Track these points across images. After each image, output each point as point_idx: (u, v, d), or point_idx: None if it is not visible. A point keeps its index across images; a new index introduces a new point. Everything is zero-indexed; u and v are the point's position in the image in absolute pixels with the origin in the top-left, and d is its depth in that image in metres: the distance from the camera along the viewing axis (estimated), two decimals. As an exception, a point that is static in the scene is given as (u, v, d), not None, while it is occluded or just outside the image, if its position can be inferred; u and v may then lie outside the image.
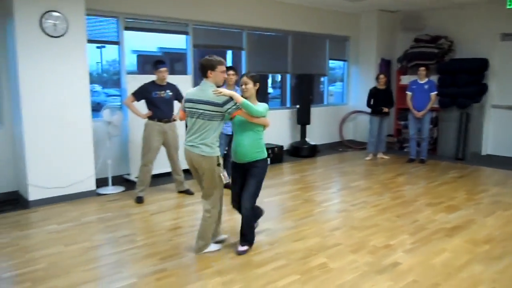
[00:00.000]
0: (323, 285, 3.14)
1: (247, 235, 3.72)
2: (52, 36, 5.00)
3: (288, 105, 8.82)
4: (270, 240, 4.00)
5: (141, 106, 5.29)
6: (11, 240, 4.06)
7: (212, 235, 3.78)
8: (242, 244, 3.70)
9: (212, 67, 3.50)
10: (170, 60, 8.60)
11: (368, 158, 7.96)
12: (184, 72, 7.19)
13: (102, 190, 5.66)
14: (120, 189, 5.80)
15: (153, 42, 8.44)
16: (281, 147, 7.76)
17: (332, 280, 3.21)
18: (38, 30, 4.91)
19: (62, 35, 5.07)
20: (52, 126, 5.11)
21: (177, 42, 7.42)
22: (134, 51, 8.65)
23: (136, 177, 5.58)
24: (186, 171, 5.07)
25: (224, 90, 3.48)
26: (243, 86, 3.60)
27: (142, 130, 5.33)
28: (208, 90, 3.48)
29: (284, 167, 7.34)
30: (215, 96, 3.43)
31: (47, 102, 5.05)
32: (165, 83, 5.33)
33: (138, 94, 5.21)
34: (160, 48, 8.96)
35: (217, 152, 3.56)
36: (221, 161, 3.63)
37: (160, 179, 6.12)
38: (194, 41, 7.08)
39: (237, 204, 3.74)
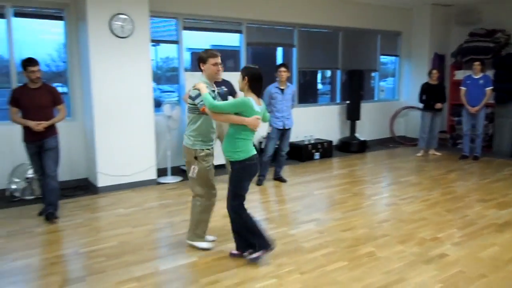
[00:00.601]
0: (370, 272, 3.31)
1: (247, 240, 3.43)
2: (119, 37, 5.46)
3: (338, 100, 8.92)
4: (319, 229, 4.21)
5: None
6: (84, 220, 4.53)
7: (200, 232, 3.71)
8: (250, 252, 3.42)
9: (203, 60, 3.49)
10: (222, 57, 8.96)
11: (419, 154, 7.92)
12: (236, 69, 7.50)
13: (162, 179, 6.09)
14: (178, 178, 6.20)
15: (206, 39, 8.80)
16: (330, 142, 7.89)
17: (379, 267, 3.38)
18: (107, 31, 5.38)
19: (128, 36, 5.51)
20: (118, 120, 5.58)
21: (229, 39, 7.74)
22: (188, 49, 9.09)
23: (193, 168, 5.94)
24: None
25: (198, 84, 3.40)
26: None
27: (199, 124, 5.68)
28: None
29: (334, 161, 7.48)
30: (192, 90, 3.45)
31: (114, 98, 5.51)
32: (220, 80, 5.63)
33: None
34: (213, 45, 9.33)
35: (195, 145, 3.51)
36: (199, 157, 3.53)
37: (217, 170, 6.44)
38: (247, 39, 7.37)
39: (233, 206, 3.49)
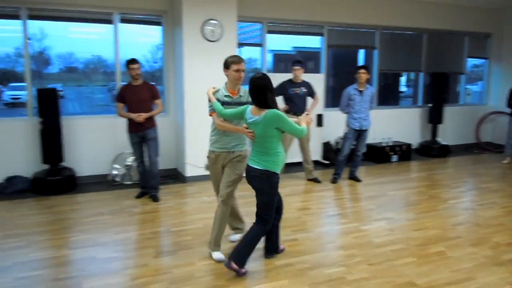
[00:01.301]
0: (438, 269, 3.41)
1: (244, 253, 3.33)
2: (210, 41, 5.97)
3: (420, 103, 8.78)
4: (391, 227, 4.33)
5: (278, 100, 5.99)
6: (174, 205, 5.08)
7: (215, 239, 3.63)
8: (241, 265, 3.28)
9: (227, 65, 3.50)
10: (303, 59, 9.21)
11: (505, 161, 7.57)
12: (316, 70, 7.73)
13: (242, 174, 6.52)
14: (257, 173, 6.60)
15: (287, 42, 9.11)
16: (409, 145, 7.82)
17: (447, 266, 3.46)
18: (199, 35, 5.91)
19: (218, 40, 6.00)
20: (206, 116, 6.08)
21: (310, 41, 7.99)
22: (270, 51, 9.48)
23: (271, 164, 6.31)
24: (315, 161, 5.61)
25: (208, 90, 3.57)
26: None
27: (278, 122, 6.02)
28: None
29: (412, 165, 7.42)
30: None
31: (203, 96, 6.01)
32: (300, 81, 5.94)
33: (277, 91, 5.89)
34: (294, 47, 9.62)
35: (210, 146, 3.66)
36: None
37: (291, 167, 6.77)
38: (328, 41, 7.58)
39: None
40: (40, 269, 3.37)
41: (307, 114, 5.43)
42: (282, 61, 9.16)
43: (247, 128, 3.28)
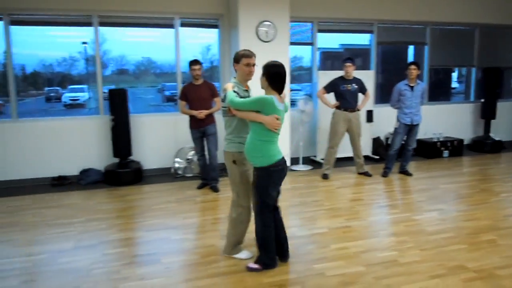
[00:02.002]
0: (488, 255, 3.56)
1: (259, 251, 3.33)
2: (264, 41, 6.31)
3: (471, 99, 8.71)
4: (442, 217, 4.49)
5: (330, 97, 6.24)
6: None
7: (228, 248, 3.57)
8: (255, 261, 3.35)
9: (237, 60, 3.34)
10: (351, 55, 9.33)
11: None
12: (365, 67, 7.89)
13: (294, 167, 6.84)
14: (308, 167, 6.89)
15: (336, 39, 9.27)
16: (461, 140, 7.81)
17: (497, 253, 3.60)
18: (254, 36, 6.27)
19: (271, 40, 6.34)
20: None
21: (359, 38, 8.15)
22: (320, 49, 9.69)
23: (322, 159, 6.59)
24: (365, 156, 5.79)
25: (226, 85, 3.31)
26: None
27: (329, 117, 6.28)
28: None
29: (464, 160, 7.42)
30: (223, 92, 3.36)
31: (258, 93, 6.38)
32: (351, 78, 6.16)
33: (329, 87, 6.16)
34: (342, 45, 9.77)
35: (231, 148, 3.32)
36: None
37: (342, 162, 7.00)
38: (378, 38, 7.73)
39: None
40: (122, 247, 3.84)
41: (358, 110, 5.46)
42: (329, 58, 9.33)
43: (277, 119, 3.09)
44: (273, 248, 3.30)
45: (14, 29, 6.01)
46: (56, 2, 5.95)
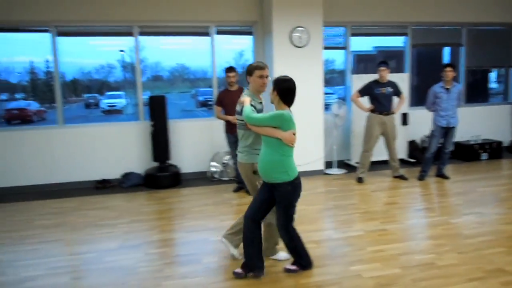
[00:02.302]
0: (530, 259, 3.52)
1: (294, 257, 3.41)
2: (297, 46, 6.41)
3: (510, 100, 8.49)
4: (480, 221, 4.44)
5: (364, 100, 6.26)
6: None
7: (268, 250, 3.62)
8: (292, 262, 3.44)
9: (249, 73, 3.34)
10: (384, 58, 9.28)
11: None
12: (400, 70, 7.85)
13: (328, 171, 6.88)
14: (342, 171, 6.91)
15: (369, 42, 9.24)
16: (500, 142, 7.63)
17: (540, 257, 3.55)
18: (288, 42, 6.38)
19: (304, 45, 6.42)
20: (295, 116, 6.51)
21: (393, 40, 8.10)
22: (353, 52, 9.67)
23: (357, 162, 6.61)
24: (401, 160, 5.77)
25: (243, 98, 3.32)
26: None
27: (364, 121, 6.30)
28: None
29: (502, 162, 7.25)
30: (239, 105, 3.36)
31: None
32: (386, 81, 6.16)
33: (363, 91, 6.18)
34: (375, 47, 9.72)
35: (250, 159, 3.36)
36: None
37: (377, 165, 6.98)
38: (412, 41, 7.67)
39: (249, 217, 3.27)
40: (164, 247, 4.01)
41: (393, 113, 5.47)
42: (363, 61, 9.30)
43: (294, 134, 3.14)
44: (305, 251, 3.37)
45: (58, 39, 6.35)
46: (99, 14, 6.26)
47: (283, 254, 3.66)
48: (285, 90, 3.15)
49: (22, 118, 10.11)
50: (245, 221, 3.26)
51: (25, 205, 5.59)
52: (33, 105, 10.28)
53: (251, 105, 3.26)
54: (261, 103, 3.44)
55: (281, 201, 3.18)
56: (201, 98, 10.06)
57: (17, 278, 3.43)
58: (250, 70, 3.35)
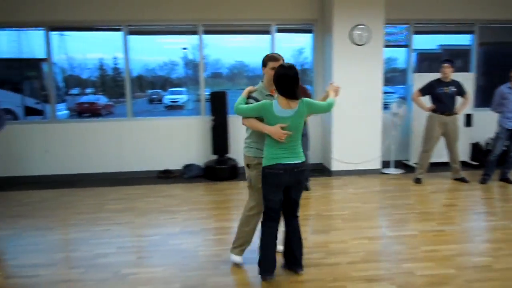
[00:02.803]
0: None
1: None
2: (357, 45, 6.41)
3: None
4: (546, 227, 4.27)
5: (425, 100, 6.15)
6: (322, 194, 5.67)
7: (240, 243, 3.53)
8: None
9: (264, 64, 3.24)
10: (450, 57, 8.96)
11: None
12: (465, 69, 7.58)
13: (385, 170, 6.83)
14: (400, 171, 6.83)
15: (433, 40, 8.97)
16: None
17: None
18: (347, 40, 6.40)
19: (365, 43, 6.41)
20: (352, 114, 6.56)
21: (458, 38, 7.84)
22: (415, 50, 9.43)
23: (415, 163, 6.51)
24: (463, 162, 5.62)
25: (247, 88, 3.29)
26: None
27: (424, 121, 6.19)
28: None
29: None
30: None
31: (350, 97, 6.51)
32: (449, 80, 6.01)
33: (424, 90, 6.07)
34: (440, 45, 9.40)
35: (249, 152, 3.34)
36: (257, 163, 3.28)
37: (437, 167, 6.82)
38: (479, 39, 7.40)
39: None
40: (221, 235, 4.24)
41: (455, 113, 5.38)
42: (426, 60, 9.05)
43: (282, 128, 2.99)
44: (267, 257, 3.21)
45: (129, 38, 6.81)
46: (167, 14, 6.63)
47: (237, 258, 3.56)
48: (279, 77, 2.94)
49: (92, 111, 10.85)
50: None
51: (96, 190, 6.07)
52: (102, 100, 11.00)
53: (252, 97, 3.21)
54: (271, 96, 3.22)
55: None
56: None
57: (91, 254, 3.80)
58: (264, 61, 3.24)
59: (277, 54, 3.25)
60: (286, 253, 3.41)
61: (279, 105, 2.97)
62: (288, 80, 2.92)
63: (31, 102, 9.20)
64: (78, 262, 3.65)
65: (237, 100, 3.18)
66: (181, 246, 3.95)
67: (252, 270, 3.40)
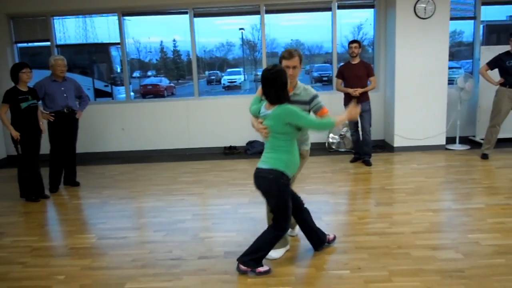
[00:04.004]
0: None
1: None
2: (422, 18, 6.30)
3: None
4: None
5: (494, 73, 5.97)
6: (385, 169, 5.74)
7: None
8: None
9: (279, 61, 3.20)
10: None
11: None
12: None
13: (450, 146, 6.73)
14: (466, 147, 6.70)
15: (503, 11, 8.51)
16: None
17: None
18: (412, 14, 6.30)
19: (429, 17, 6.29)
20: (415, 91, 6.49)
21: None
22: (482, 22, 9.00)
23: (482, 139, 6.36)
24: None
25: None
26: None
27: (492, 96, 6.02)
28: None
29: None
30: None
31: (414, 72, 6.44)
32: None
33: (493, 64, 5.90)
34: (509, 16, 8.90)
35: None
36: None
37: (506, 143, 6.63)
38: (556, 8, 6.97)
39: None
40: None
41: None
42: (495, 32, 8.64)
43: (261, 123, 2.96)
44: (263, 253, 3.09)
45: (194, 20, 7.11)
46: (230, -5, 6.86)
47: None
48: (262, 79, 2.92)
49: (155, 93, 11.42)
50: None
51: (168, 165, 6.53)
52: (164, 81, 11.53)
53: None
54: (297, 94, 3.18)
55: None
56: (315, 74, 10.34)
57: (171, 220, 4.19)
58: (279, 59, 3.21)
59: (294, 49, 3.17)
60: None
61: (264, 106, 3.00)
62: (264, 82, 2.88)
63: (100, 84, 9.88)
64: (160, 226, 4.05)
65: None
66: (251, 215, 4.24)
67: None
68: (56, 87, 5.25)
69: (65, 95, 5.29)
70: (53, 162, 5.38)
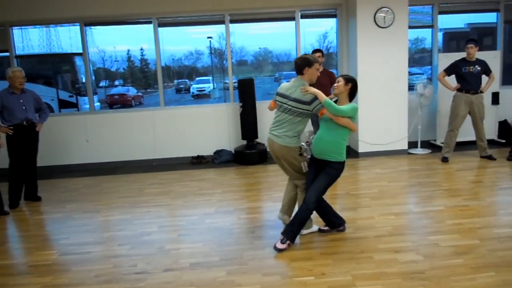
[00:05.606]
0: None
1: (290, 231, 3.57)
2: (382, 27, 6.50)
3: None
4: None
5: (451, 79, 6.20)
6: (350, 175, 5.85)
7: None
8: (282, 240, 3.57)
9: (310, 64, 3.51)
10: (478, 35, 8.87)
11: None
12: (492, 47, 7.53)
13: (412, 150, 6.93)
14: (427, 151, 6.92)
15: (460, 19, 8.87)
16: None
17: None
18: (372, 23, 6.49)
19: (389, 26, 6.49)
20: (378, 97, 6.67)
21: (485, 17, 7.76)
22: (440, 29, 9.36)
23: (442, 142, 6.59)
24: (490, 140, 5.68)
25: (310, 88, 3.46)
26: (335, 84, 3.54)
27: (450, 100, 6.25)
28: (299, 87, 3.51)
29: None
30: (302, 94, 3.47)
31: (375, 79, 6.62)
32: (474, 59, 6.04)
33: (449, 70, 6.14)
34: (467, 24, 9.29)
35: (298, 143, 3.65)
36: (304, 152, 3.69)
37: (464, 146, 6.88)
38: (505, 17, 7.33)
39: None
40: (254, 214, 4.50)
41: (481, 92, 5.35)
42: (454, 39, 8.99)
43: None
44: (335, 213, 3.88)
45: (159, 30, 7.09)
46: (195, 5, 6.87)
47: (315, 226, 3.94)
48: (356, 85, 3.55)
49: (122, 103, 11.23)
50: (305, 200, 3.51)
51: (134, 176, 6.44)
52: (132, 91, 11.37)
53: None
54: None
55: (330, 176, 3.50)
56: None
57: (136, 233, 4.14)
58: (310, 61, 3.53)
59: (314, 56, 3.64)
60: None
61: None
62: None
63: (65, 95, 9.66)
64: (125, 239, 3.99)
65: (329, 103, 3.34)
66: (217, 224, 4.23)
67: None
68: (14, 100, 5.10)
69: (24, 107, 5.15)
70: (12, 177, 5.22)
